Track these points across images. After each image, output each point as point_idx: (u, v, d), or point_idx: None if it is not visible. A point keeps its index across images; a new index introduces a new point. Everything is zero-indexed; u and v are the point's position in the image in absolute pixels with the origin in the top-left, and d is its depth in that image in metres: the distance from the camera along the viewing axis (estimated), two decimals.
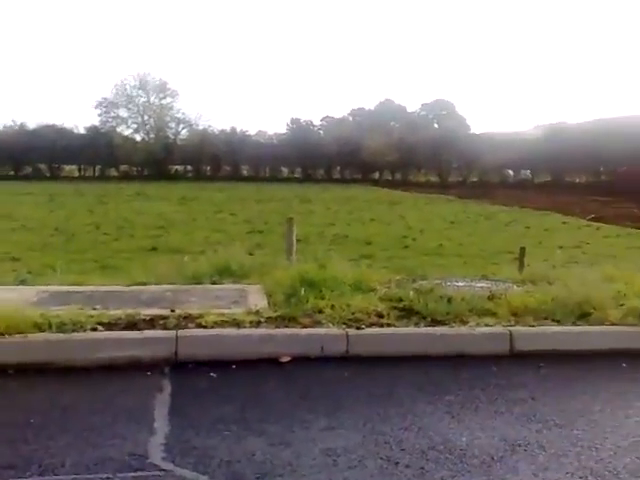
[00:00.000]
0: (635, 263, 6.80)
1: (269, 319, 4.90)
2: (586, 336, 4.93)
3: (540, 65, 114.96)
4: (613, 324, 5.04)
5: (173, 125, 58.88)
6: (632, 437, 3.43)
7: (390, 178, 54.19)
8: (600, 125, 47.63)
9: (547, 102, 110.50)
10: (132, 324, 4.76)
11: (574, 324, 5.07)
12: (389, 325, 4.93)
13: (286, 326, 4.79)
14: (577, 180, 50.52)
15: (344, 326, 4.81)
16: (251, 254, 8.83)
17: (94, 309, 5.03)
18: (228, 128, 56.13)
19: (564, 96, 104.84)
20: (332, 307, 5.13)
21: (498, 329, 4.91)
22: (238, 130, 56.06)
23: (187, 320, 4.84)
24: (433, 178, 53.13)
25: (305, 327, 4.79)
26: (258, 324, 4.80)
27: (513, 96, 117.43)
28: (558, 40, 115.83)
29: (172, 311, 5.02)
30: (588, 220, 19.79)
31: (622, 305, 5.28)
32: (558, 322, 5.08)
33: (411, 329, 4.89)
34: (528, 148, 48.11)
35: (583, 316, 5.17)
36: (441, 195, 32.86)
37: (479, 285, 6.22)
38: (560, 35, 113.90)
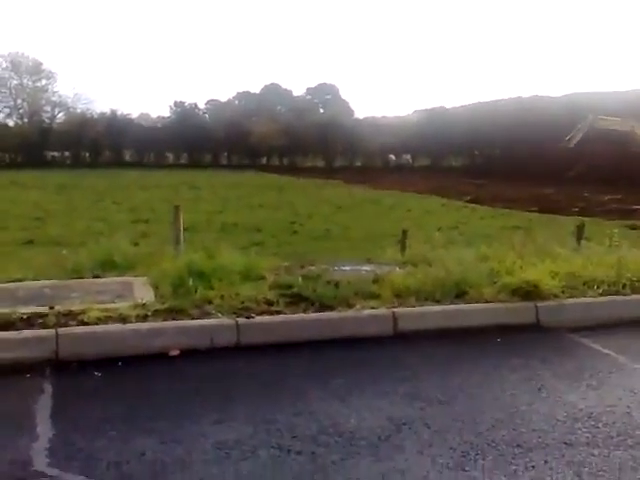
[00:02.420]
0: (507, 242, 7.20)
1: (156, 312, 4.76)
2: (463, 314, 5.19)
3: (420, 50, 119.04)
4: (487, 301, 5.34)
5: (49, 109, 55.70)
6: (508, 409, 3.65)
7: (278, 163, 54.33)
8: (476, 109, 50.07)
9: (428, 87, 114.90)
10: (8, 324, 4.46)
11: (452, 303, 5.31)
12: (279, 312, 4.93)
13: (174, 319, 4.68)
14: (454, 163, 52.89)
15: (234, 316, 4.76)
16: (136, 244, 8.56)
17: None
18: (108, 111, 53.85)
19: (444, 81, 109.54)
20: (221, 297, 5.06)
21: (382, 311, 5.05)
22: (119, 113, 53.92)
23: (68, 317, 4.60)
24: (320, 163, 53.74)
25: (194, 319, 4.70)
26: (145, 318, 4.65)
27: (394, 81, 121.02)
28: (437, 26, 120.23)
29: (51, 308, 4.76)
30: (465, 202, 20.83)
31: (496, 282, 5.60)
32: (438, 302, 5.31)
33: (300, 315, 4.92)
34: (408, 133, 49.82)
35: (460, 295, 5.44)
36: (328, 180, 33.35)
37: (364, 268, 6.37)
38: (438, 21, 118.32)
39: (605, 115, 35.67)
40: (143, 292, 5.29)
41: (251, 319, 4.73)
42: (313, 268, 6.11)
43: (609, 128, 34.29)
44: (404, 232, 7.64)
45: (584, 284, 5.86)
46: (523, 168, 34.06)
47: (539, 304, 5.35)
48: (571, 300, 5.52)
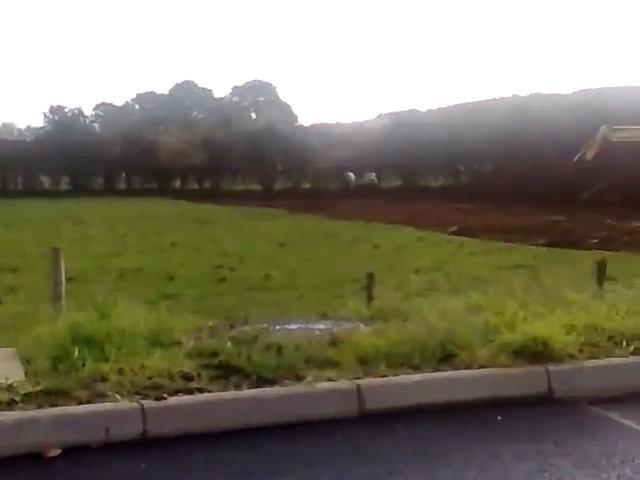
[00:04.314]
0: (506, 286, 7.32)
1: (28, 396, 4.66)
2: (451, 384, 5.23)
3: (382, 38, 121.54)
4: (482, 366, 5.40)
5: None
6: None
7: (197, 187, 54.25)
8: (459, 112, 51.27)
9: (394, 84, 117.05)
10: None
11: (436, 370, 5.36)
12: (201, 390, 4.91)
13: (53, 404, 4.59)
14: (433, 183, 53.79)
15: (138, 397, 4.72)
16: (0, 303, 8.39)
17: None
18: None
19: (414, 77, 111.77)
20: (120, 372, 5.02)
21: (343, 383, 5.06)
22: None
23: None
24: (254, 186, 53.88)
25: (81, 403, 4.62)
26: (11, 405, 4.55)
27: (350, 77, 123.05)
28: (404, 9, 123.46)
29: None
30: (449, 234, 21.15)
31: (492, 341, 5.68)
32: (417, 368, 5.34)
33: (231, 393, 4.91)
34: (372, 144, 50.44)
35: (446, 359, 5.49)
36: (266, 208, 33.42)
37: (318, 327, 6.41)
38: (406, 3, 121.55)
39: (627, 116, 36.96)
40: (9, 369, 5.16)
41: (162, 401, 4.68)
42: (247, 328, 6.10)
43: (631, 139, 35.48)
44: (370, 276, 7.70)
45: (609, 340, 5.99)
46: (523, 188, 34.80)
47: (551, 368, 5.43)
48: (593, 362, 5.63)
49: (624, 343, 5.94)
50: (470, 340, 5.64)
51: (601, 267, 7.93)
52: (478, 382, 5.28)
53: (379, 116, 60.33)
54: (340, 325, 6.37)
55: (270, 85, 79.75)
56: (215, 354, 5.42)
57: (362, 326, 6.30)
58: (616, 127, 36.87)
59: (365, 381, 5.09)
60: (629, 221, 23.33)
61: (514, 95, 52.74)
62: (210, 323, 6.47)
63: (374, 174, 55.53)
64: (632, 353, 5.83)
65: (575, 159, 37.84)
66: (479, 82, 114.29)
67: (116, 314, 5.88)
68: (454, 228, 22.42)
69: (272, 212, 31.50)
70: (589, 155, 37.53)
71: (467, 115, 49.38)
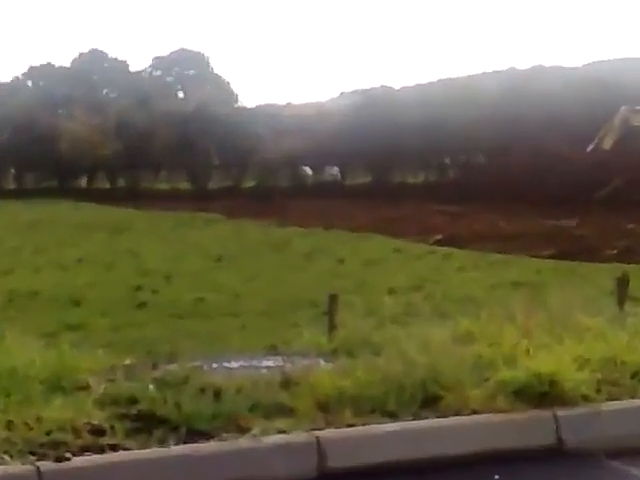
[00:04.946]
0: (504, 310, 7.37)
1: None
2: (436, 435, 5.25)
3: (346, 2, 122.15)
4: (475, 412, 5.43)
5: None
6: None
7: (109, 186, 53.96)
8: (443, 90, 51.54)
9: (360, 54, 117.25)
10: None
11: (416, 417, 5.37)
12: (115, 448, 4.87)
13: None
14: (412, 180, 54.01)
15: (34, 458, 4.66)
16: None
17: None
18: None
19: (385, 45, 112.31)
20: (9, 425, 4.95)
21: (298, 436, 5.05)
22: None
23: None
24: (183, 184, 53.69)
25: None
26: None
27: (304, 46, 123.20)
28: None
29: None
30: (432, 244, 21.30)
31: (487, 380, 5.71)
32: (392, 416, 5.35)
33: (154, 451, 4.88)
34: (333, 130, 50.46)
35: (430, 403, 5.51)
36: (198, 212, 33.32)
37: (266, 364, 6.41)
38: None
39: None
40: None
41: (64, 462, 4.63)
42: (175, 367, 6.07)
43: None
44: (332, 298, 7.73)
45: (633, 377, 6.06)
46: (524, 186, 35.08)
47: (560, 413, 5.48)
48: (612, 404, 5.68)
49: None
50: (459, 379, 5.66)
51: (622, 284, 8.00)
52: (470, 432, 5.31)
53: (342, 95, 60.53)
54: (294, 362, 6.37)
55: (201, 56, 79.66)
56: (133, 401, 5.37)
57: (322, 363, 6.31)
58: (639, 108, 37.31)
59: (326, 433, 5.09)
60: None
61: (511, 68, 53.28)
62: (127, 361, 6.42)
63: (336, 168, 55.71)
64: None
65: (588, 149, 38.23)
66: (467, 52, 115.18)
67: (4, 350, 5.84)
68: (438, 236, 22.60)
69: (206, 217, 31.48)
70: (606, 144, 37.88)
71: (453, 94, 49.66)
